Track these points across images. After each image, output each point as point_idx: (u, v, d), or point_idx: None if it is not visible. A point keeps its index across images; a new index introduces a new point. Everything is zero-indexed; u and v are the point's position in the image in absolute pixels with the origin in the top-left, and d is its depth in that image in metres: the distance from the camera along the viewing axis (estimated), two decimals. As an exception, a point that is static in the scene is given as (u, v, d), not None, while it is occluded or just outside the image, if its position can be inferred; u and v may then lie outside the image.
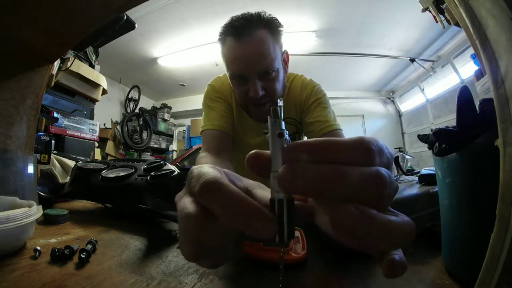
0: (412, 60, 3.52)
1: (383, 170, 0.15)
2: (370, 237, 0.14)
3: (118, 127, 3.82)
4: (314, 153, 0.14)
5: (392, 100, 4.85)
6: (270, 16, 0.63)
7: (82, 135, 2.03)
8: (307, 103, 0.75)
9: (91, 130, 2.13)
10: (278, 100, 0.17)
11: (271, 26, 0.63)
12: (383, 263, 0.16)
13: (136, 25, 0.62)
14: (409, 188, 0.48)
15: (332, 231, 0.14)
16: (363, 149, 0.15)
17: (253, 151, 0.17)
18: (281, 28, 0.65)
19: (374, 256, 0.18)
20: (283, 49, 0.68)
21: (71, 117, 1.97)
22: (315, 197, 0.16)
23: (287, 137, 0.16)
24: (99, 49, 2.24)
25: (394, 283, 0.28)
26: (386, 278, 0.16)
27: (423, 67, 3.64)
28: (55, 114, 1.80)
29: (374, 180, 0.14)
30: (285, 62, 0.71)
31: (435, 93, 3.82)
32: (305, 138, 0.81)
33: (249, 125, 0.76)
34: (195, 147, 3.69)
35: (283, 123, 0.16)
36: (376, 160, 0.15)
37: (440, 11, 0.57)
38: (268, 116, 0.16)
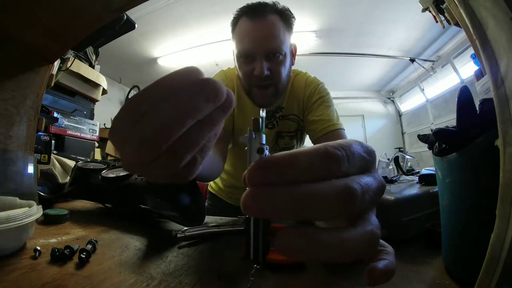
0: (412, 60, 3.52)
1: (354, 182, 0.14)
2: (317, 258, 0.13)
3: (118, 127, 3.81)
4: (277, 172, 0.13)
5: (392, 100, 4.85)
6: (284, 6, 0.67)
7: (82, 135, 2.03)
8: (311, 101, 0.75)
9: (91, 130, 2.12)
10: (261, 111, 0.16)
11: (284, 15, 0.67)
12: (364, 271, 0.16)
13: (136, 25, 0.61)
14: (409, 188, 0.48)
15: None
16: (326, 158, 0.14)
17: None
18: (293, 19, 0.68)
19: (364, 261, 0.18)
20: (292, 41, 0.70)
21: (71, 117, 1.96)
22: (280, 220, 0.16)
23: (267, 152, 0.15)
24: (99, 49, 2.23)
25: (394, 284, 0.28)
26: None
27: (423, 67, 3.64)
28: (55, 114, 1.79)
29: (340, 198, 0.13)
30: (293, 55, 0.72)
31: (435, 93, 3.82)
32: (307, 137, 0.81)
33: (251, 118, 0.76)
34: (195, 147, 3.68)
35: (264, 136, 0.15)
36: (343, 167, 0.14)
37: (440, 11, 0.57)
38: (248, 128, 0.15)
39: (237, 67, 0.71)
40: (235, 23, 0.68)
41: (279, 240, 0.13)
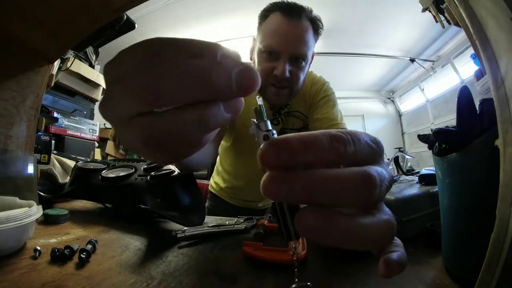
0: (412, 60, 3.52)
1: (372, 170, 0.14)
2: (334, 239, 0.13)
3: (118, 127, 3.81)
4: (286, 147, 0.13)
5: (392, 100, 4.85)
6: (317, 15, 0.68)
7: (82, 135, 2.03)
8: (316, 99, 0.76)
9: (91, 130, 2.12)
10: (257, 99, 0.16)
11: (315, 24, 0.67)
12: (379, 262, 0.16)
13: (136, 25, 0.61)
14: (409, 188, 0.48)
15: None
16: (332, 139, 0.14)
17: None
18: (321, 30, 0.69)
19: (373, 254, 0.18)
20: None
21: (71, 117, 1.97)
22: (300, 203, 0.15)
23: (275, 137, 0.15)
24: (99, 49, 2.23)
25: (394, 284, 0.28)
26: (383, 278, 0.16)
27: (423, 67, 3.64)
28: (55, 114, 1.79)
29: (360, 184, 0.14)
30: (310, 62, 0.73)
31: (435, 93, 3.82)
32: None
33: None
34: (195, 147, 3.68)
35: (268, 122, 0.15)
36: (349, 149, 0.14)
37: (440, 11, 0.57)
38: (252, 120, 0.15)
39: (256, 60, 0.69)
40: (266, 15, 0.66)
41: (297, 218, 0.13)
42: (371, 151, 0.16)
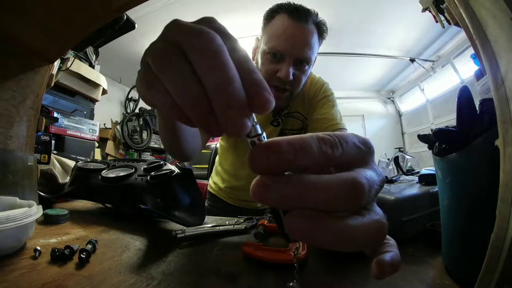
0: (412, 60, 3.52)
1: (361, 176, 0.14)
2: (324, 242, 0.13)
3: (118, 127, 3.81)
4: (273, 151, 0.13)
5: (392, 100, 4.85)
6: (322, 20, 0.67)
7: (82, 135, 2.03)
8: (315, 99, 0.76)
9: (91, 130, 2.13)
10: None
11: (321, 28, 0.66)
12: (372, 263, 0.16)
13: (136, 25, 0.61)
14: (409, 188, 0.48)
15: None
16: (319, 140, 0.14)
17: None
18: (325, 35, 0.69)
19: (368, 254, 0.18)
20: None
21: (71, 117, 1.97)
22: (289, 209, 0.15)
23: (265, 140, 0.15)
24: (99, 49, 2.23)
25: (394, 283, 0.28)
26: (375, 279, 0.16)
27: (423, 67, 3.63)
28: (55, 114, 1.80)
29: (349, 192, 0.13)
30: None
31: (435, 93, 3.82)
32: None
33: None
34: (195, 147, 3.68)
35: (257, 127, 0.15)
36: (337, 152, 0.14)
37: (440, 11, 0.57)
38: None
39: (260, 61, 0.69)
40: (272, 16, 0.66)
41: (285, 221, 0.13)
42: (360, 152, 0.16)
